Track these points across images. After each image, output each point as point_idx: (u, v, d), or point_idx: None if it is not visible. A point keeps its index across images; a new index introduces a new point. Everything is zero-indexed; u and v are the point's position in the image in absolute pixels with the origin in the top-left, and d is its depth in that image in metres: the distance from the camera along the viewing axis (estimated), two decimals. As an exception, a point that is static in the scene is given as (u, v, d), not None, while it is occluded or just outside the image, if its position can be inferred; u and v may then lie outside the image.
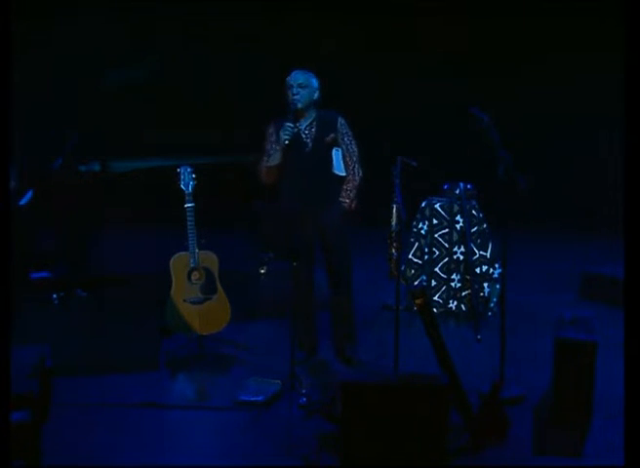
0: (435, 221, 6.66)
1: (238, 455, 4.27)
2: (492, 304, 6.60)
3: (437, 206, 6.67)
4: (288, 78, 5.25)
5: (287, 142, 5.10)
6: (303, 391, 4.79)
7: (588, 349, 4.29)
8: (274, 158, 5.23)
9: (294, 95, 5.18)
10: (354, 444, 3.91)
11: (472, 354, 5.72)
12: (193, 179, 5.53)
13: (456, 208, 6.64)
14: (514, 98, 9.77)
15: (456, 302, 6.67)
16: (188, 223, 5.44)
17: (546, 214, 9.69)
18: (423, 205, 6.74)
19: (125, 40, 9.59)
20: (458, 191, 6.65)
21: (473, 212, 6.64)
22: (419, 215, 6.75)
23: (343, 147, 5.32)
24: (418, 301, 4.37)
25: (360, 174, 5.34)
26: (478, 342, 5.99)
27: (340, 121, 5.35)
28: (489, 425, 4.27)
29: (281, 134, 5.13)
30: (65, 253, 6.77)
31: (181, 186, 5.51)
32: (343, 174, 5.33)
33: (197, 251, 5.44)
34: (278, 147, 5.18)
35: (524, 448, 4.24)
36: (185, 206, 5.47)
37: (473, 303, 6.47)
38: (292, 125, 5.12)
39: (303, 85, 5.20)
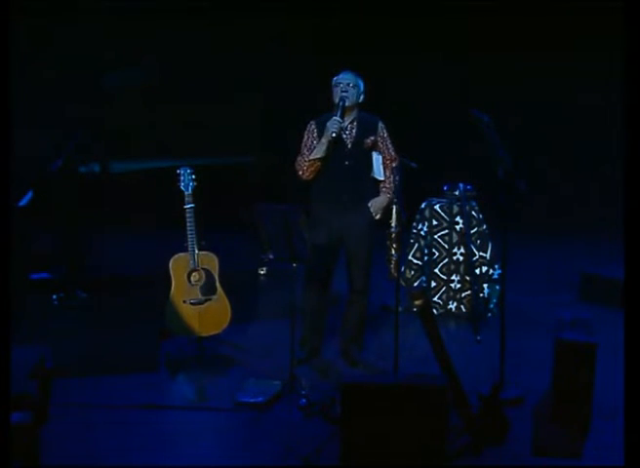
0: (435, 222, 6.66)
1: (238, 456, 4.27)
2: (491, 305, 6.60)
3: (437, 207, 6.67)
4: (336, 77, 5.26)
5: (334, 135, 5.10)
6: (303, 392, 4.79)
7: (588, 350, 4.29)
8: (319, 151, 5.20)
9: (343, 92, 5.19)
10: (354, 444, 3.91)
11: (472, 355, 5.71)
12: (193, 181, 5.54)
13: (455, 209, 6.64)
14: (514, 99, 9.77)
15: (455, 303, 6.67)
16: (188, 224, 5.44)
17: (546, 215, 9.69)
18: (423, 206, 6.74)
19: (125, 40, 9.59)
20: (457, 192, 6.66)
21: (473, 213, 6.64)
22: (418, 216, 6.75)
23: (385, 152, 5.32)
24: (417, 302, 4.37)
25: (397, 179, 5.30)
26: (478, 343, 5.99)
27: (381, 125, 5.35)
28: (488, 426, 4.26)
29: (328, 126, 5.11)
30: (65, 253, 6.78)
31: (181, 187, 5.51)
32: (382, 178, 5.33)
33: (197, 252, 5.44)
34: (324, 140, 5.16)
35: (524, 449, 4.24)
36: (185, 207, 5.48)
37: (473, 304, 6.47)
38: (340, 119, 5.12)
39: (353, 84, 5.22)
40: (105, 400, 4.91)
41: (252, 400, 4.80)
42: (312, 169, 5.25)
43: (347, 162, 5.24)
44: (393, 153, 5.36)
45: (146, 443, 4.40)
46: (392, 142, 5.38)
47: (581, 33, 9.61)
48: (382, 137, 5.35)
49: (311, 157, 5.23)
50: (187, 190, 5.50)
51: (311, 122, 5.35)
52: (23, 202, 6.44)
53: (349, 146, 5.25)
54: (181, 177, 5.53)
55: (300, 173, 5.28)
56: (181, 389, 5.26)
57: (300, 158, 5.29)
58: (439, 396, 3.93)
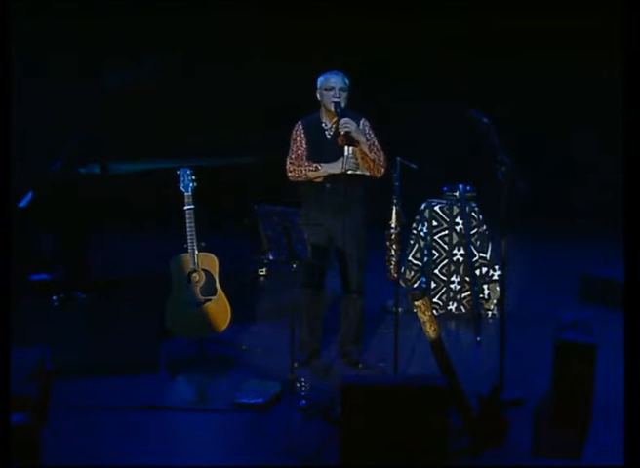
0: (435, 223, 6.66)
1: (238, 457, 4.27)
2: (491, 306, 6.60)
3: (437, 208, 6.67)
4: (326, 80, 5.22)
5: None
6: (303, 393, 4.79)
7: (588, 351, 4.28)
8: (334, 167, 5.19)
9: (337, 97, 5.17)
10: (354, 445, 3.91)
11: (472, 356, 5.72)
12: (193, 181, 5.54)
13: (455, 210, 6.64)
14: (514, 99, 9.78)
15: (455, 304, 6.67)
16: (188, 225, 5.45)
17: (546, 216, 9.69)
18: (423, 207, 6.74)
19: (124, 41, 9.60)
20: (457, 193, 6.66)
21: (473, 214, 6.64)
22: (418, 217, 6.75)
23: (369, 145, 5.23)
24: (417, 304, 4.37)
25: (383, 170, 5.27)
26: (478, 344, 5.99)
27: (364, 122, 5.32)
28: (488, 427, 4.26)
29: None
30: (65, 254, 6.77)
31: (181, 188, 5.52)
32: (359, 172, 5.29)
33: (197, 252, 5.45)
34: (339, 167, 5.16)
35: (523, 451, 4.24)
36: (185, 208, 5.48)
37: (473, 305, 6.47)
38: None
39: (345, 88, 5.21)
40: (105, 401, 4.91)
41: (252, 401, 4.80)
42: (307, 178, 5.24)
43: (332, 161, 5.22)
44: (378, 146, 5.26)
45: (146, 443, 4.40)
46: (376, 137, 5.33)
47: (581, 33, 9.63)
48: (365, 133, 5.27)
49: (321, 173, 5.19)
50: (187, 191, 5.51)
51: (299, 122, 5.34)
52: (23, 203, 6.44)
53: (334, 145, 5.22)
54: (181, 178, 5.54)
55: (291, 176, 5.27)
56: (181, 390, 5.26)
57: (298, 164, 5.24)
58: (439, 396, 3.93)
